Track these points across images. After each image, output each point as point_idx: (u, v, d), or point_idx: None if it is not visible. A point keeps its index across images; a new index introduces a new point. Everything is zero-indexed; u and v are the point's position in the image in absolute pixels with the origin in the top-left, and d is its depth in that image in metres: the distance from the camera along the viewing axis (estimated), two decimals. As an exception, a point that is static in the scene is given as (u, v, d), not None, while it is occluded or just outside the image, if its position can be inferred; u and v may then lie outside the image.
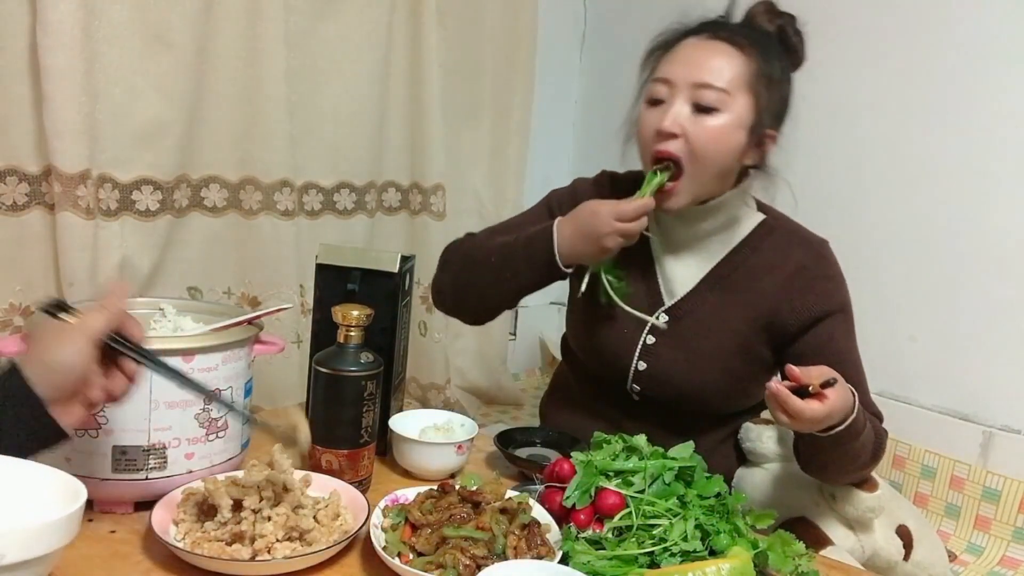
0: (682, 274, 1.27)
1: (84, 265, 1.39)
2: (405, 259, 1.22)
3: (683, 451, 1.03)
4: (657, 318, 1.25)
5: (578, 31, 2.43)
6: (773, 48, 1.19)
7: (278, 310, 1.20)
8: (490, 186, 2.17)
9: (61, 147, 1.33)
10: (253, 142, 1.63)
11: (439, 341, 2.04)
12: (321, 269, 1.21)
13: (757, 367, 1.25)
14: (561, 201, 1.33)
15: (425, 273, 2.00)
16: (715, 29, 1.18)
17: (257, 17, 1.56)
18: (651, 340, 1.26)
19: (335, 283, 1.19)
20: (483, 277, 1.27)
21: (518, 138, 2.16)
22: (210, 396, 0.94)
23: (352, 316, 1.06)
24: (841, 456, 1.10)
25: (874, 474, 1.22)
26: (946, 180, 1.68)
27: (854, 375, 1.17)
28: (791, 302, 1.21)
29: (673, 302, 1.26)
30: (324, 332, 1.15)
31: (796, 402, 0.98)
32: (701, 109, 1.13)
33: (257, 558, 0.86)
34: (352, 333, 1.07)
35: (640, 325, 1.26)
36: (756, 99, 1.15)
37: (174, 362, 0.93)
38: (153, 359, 0.86)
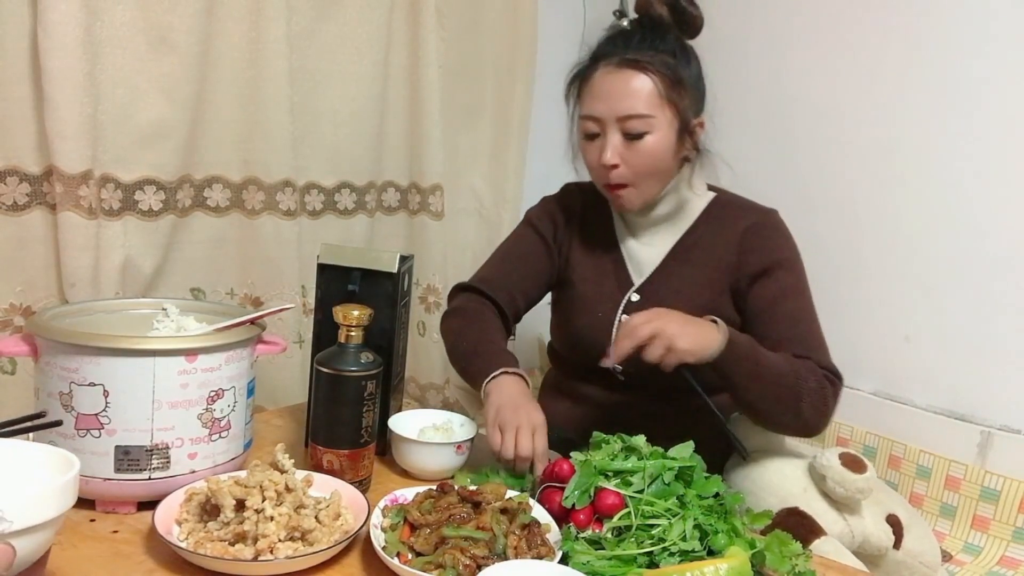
0: (647, 255, 1.38)
1: (86, 265, 1.39)
2: (404, 259, 1.22)
3: (682, 451, 1.04)
4: (629, 297, 1.35)
5: (578, 31, 2.43)
6: (672, 44, 1.28)
7: (280, 310, 1.21)
8: (490, 186, 2.17)
9: (63, 148, 1.33)
10: (255, 142, 1.63)
11: (438, 341, 2.04)
12: (322, 269, 1.21)
13: None
14: (540, 219, 1.48)
15: (424, 273, 2.01)
16: (620, 50, 1.27)
17: (259, 18, 1.57)
18: (625, 319, 1.30)
19: (336, 283, 1.20)
20: (462, 369, 1.35)
21: (518, 138, 2.16)
22: None
23: (352, 316, 1.06)
24: (749, 379, 1.18)
25: (862, 457, 1.25)
26: (940, 179, 1.68)
27: (803, 329, 1.27)
28: (741, 259, 1.32)
29: (642, 281, 1.37)
30: (325, 332, 1.16)
31: (622, 340, 1.13)
32: (632, 136, 1.25)
33: (259, 558, 0.86)
34: (352, 333, 1.08)
35: (613, 306, 1.36)
36: (676, 106, 1.26)
37: (176, 359, 0.93)
38: None
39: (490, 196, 2.17)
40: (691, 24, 1.31)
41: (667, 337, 1.12)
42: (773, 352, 1.24)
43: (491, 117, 2.13)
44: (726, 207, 1.38)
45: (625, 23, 1.34)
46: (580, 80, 1.33)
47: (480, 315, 1.38)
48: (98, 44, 1.38)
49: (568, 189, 1.52)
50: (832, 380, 1.25)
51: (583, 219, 1.47)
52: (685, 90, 1.27)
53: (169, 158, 1.52)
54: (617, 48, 1.28)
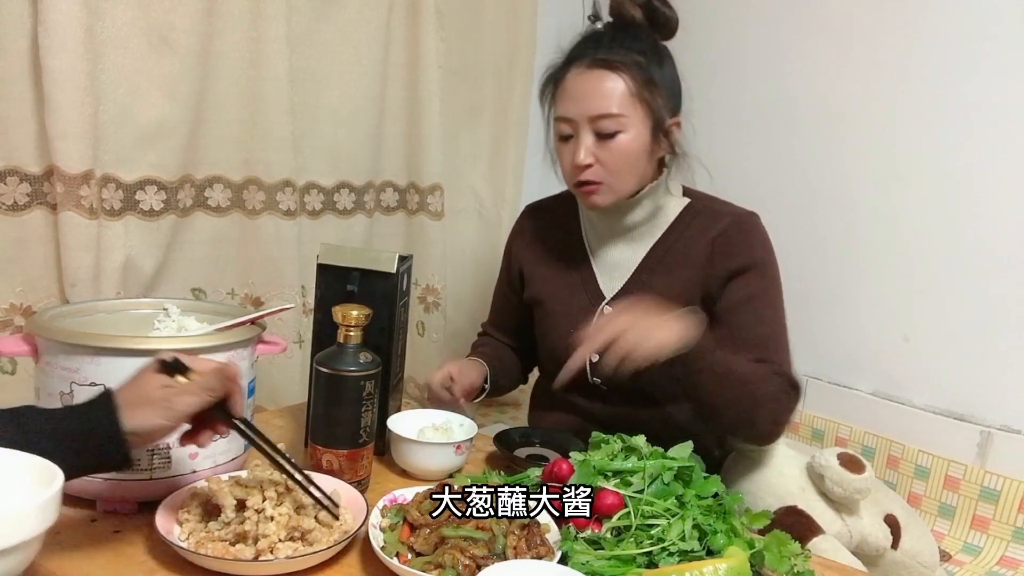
0: (620, 265, 1.36)
1: (87, 265, 1.39)
2: (403, 259, 1.23)
3: (681, 451, 1.04)
4: (601, 311, 1.34)
5: (577, 32, 2.43)
6: (644, 44, 1.28)
7: (280, 310, 1.21)
8: (489, 186, 2.17)
9: (63, 148, 1.33)
10: (256, 142, 1.63)
11: (437, 341, 2.04)
12: (322, 269, 1.21)
13: None
14: (504, 256, 1.56)
15: (423, 273, 2.01)
16: (591, 51, 1.28)
17: (259, 18, 1.57)
18: (606, 313, 1.34)
19: (336, 283, 1.20)
20: None
21: (517, 138, 2.17)
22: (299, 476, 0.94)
23: (352, 316, 1.07)
24: (713, 380, 1.16)
25: (861, 458, 1.26)
26: (940, 179, 1.68)
27: (767, 333, 1.25)
28: (713, 264, 1.30)
29: (613, 293, 1.35)
30: (325, 332, 1.16)
31: (585, 345, 1.12)
32: (604, 136, 1.25)
33: (260, 558, 0.86)
34: (352, 333, 1.08)
35: (585, 320, 1.33)
36: (648, 105, 1.26)
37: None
38: (250, 434, 0.91)
39: (489, 196, 2.17)
40: (665, 25, 1.31)
41: (625, 346, 1.09)
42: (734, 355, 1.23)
43: (490, 117, 2.13)
44: (701, 213, 1.35)
45: (599, 25, 1.34)
46: (554, 83, 1.33)
47: (486, 344, 1.54)
48: (99, 44, 1.38)
49: (526, 212, 1.56)
50: (787, 390, 1.22)
51: (546, 237, 1.47)
52: (657, 89, 1.26)
53: (170, 158, 1.52)
54: (588, 49, 1.28)
